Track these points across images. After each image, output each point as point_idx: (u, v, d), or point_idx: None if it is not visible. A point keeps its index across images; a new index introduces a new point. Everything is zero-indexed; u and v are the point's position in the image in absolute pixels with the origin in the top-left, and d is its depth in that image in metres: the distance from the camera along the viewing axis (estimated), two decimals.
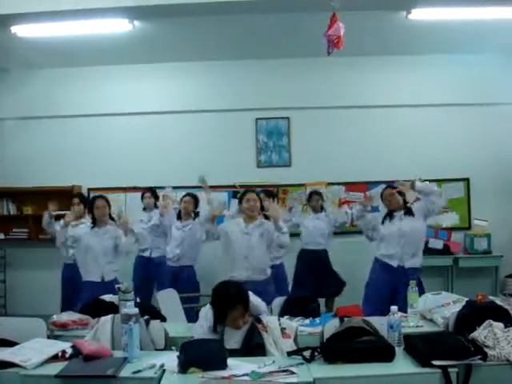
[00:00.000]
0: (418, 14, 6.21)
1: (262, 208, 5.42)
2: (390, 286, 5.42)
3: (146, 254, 7.29)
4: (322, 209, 7.37)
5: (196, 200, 6.76)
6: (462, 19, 6.32)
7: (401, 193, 5.65)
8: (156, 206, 7.31)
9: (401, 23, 6.55)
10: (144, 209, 7.41)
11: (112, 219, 5.86)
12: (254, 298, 3.65)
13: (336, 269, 7.27)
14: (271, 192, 6.99)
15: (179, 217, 6.71)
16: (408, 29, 6.77)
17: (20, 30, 6.16)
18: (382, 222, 5.73)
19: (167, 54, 7.80)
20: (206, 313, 3.58)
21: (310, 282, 6.89)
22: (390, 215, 5.70)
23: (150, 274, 7.16)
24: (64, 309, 5.46)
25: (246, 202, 5.26)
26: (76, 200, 6.60)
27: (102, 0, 5.17)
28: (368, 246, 6.18)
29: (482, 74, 8.00)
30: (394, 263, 5.54)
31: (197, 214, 6.70)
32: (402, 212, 5.65)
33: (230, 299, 3.41)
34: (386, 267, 5.60)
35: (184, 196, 6.80)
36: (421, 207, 5.65)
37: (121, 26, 6.30)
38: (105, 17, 5.75)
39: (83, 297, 5.41)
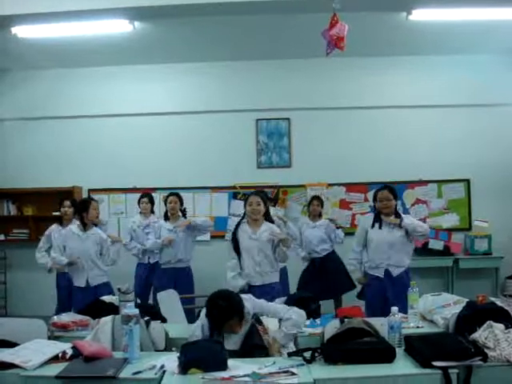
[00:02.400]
0: (419, 15, 6.21)
1: (268, 211, 5.32)
2: (384, 296, 5.05)
3: (145, 260, 7.18)
4: (320, 216, 7.28)
5: (180, 198, 6.70)
6: (462, 20, 6.32)
7: (396, 197, 5.36)
8: (153, 212, 7.31)
9: (401, 24, 6.55)
10: (140, 213, 7.30)
11: (94, 225, 5.89)
12: (255, 303, 3.65)
13: None
14: (269, 196, 6.85)
15: (166, 218, 6.67)
16: (408, 29, 6.77)
17: (20, 31, 6.16)
18: (372, 226, 5.35)
19: (167, 54, 7.81)
20: (203, 320, 3.59)
21: (315, 286, 6.67)
22: (379, 220, 5.33)
23: (149, 279, 7.02)
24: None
25: (248, 205, 5.18)
26: (67, 203, 6.61)
27: (102, 1, 5.17)
28: None
29: (482, 74, 7.99)
30: (381, 273, 5.22)
31: (184, 212, 6.69)
32: (392, 217, 5.30)
33: (222, 313, 3.39)
34: (374, 279, 5.30)
35: (168, 196, 6.71)
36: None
37: (121, 27, 6.31)
38: (105, 18, 5.75)
39: (74, 302, 5.52)
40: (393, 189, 5.42)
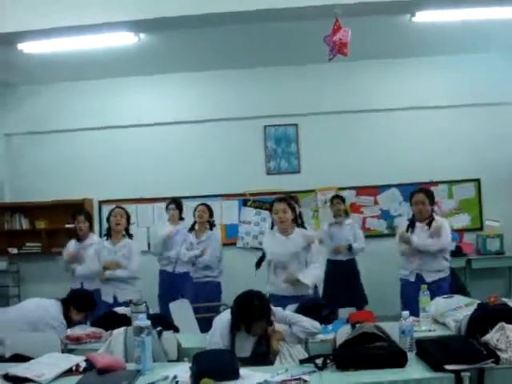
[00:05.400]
0: (422, 17, 6.20)
1: (296, 215, 4.94)
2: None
3: (169, 268, 7.05)
4: (346, 214, 7.16)
5: (210, 209, 6.67)
6: (466, 20, 6.29)
7: (433, 201, 5.21)
8: (181, 218, 7.13)
9: (405, 26, 6.54)
10: (168, 220, 7.16)
11: (129, 235, 5.75)
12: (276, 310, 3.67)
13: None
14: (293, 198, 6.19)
15: (193, 228, 6.63)
16: (413, 31, 6.74)
17: (26, 47, 6.20)
18: (407, 230, 5.18)
19: (174, 64, 7.84)
20: (222, 320, 3.59)
21: (340, 293, 6.60)
22: (413, 225, 5.19)
23: (174, 290, 6.84)
24: None
25: (274, 213, 4.83)
26: (81, 218, 6.50)
27: (106, 15, 5.17)
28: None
29: (490, 73, 7.94)
30: (412, 277, 5.10)
31: (213, 224, 6.65)
32: (426, 222, 5.14)
33: (255, 312, 3.41)
34: (406, 283, 5.15)
35: (196, 206, 6.69)
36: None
37: (126, 39, 6.34)
38: (110, 31, 5.75)
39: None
40: (430, 192, 5.28)
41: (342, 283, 6.85)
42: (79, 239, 6.46)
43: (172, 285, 6.96)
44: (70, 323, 4.40)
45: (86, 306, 4.55)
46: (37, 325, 4.21)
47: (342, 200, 7.22)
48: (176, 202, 7.18)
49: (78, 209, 7.16)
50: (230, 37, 6.71)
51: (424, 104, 8.12)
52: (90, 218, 6.71)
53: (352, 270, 7.03)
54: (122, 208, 5.89)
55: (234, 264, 7.17)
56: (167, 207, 7.20)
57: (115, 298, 5.46)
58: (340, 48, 4.51)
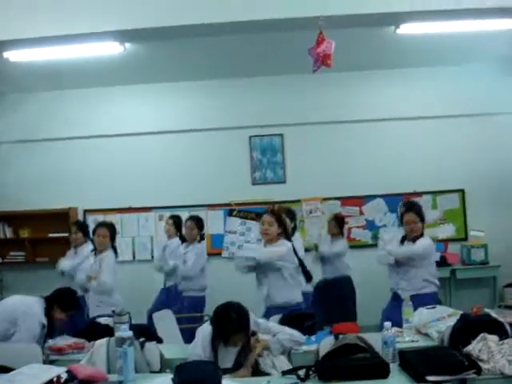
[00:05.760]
0: (407, 29, 6.24)
1: (286, 229, 4.97)
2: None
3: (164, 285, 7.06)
4: (342, 234, 7.25)
5: (199, 223, 6.62)
6: (450, 32, 6.34)
7: (423, 217, 5.19)
8: (178, 233, 7.03)
9: (389, 38, 6.58)
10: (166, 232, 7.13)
11: (114, 251, 5.74)
12: (254, 320, 3.66)
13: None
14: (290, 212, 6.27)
15: (183, 240, 6.65)
16: (397, 43, 6.79)
17: (12, 55, 6.18)
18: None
19: (159, 74, 7.85)
20: (204, 331, 3.59)
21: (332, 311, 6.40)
22: (402, 241, 5.23)
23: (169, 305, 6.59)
24: None
25: (261, 224, 4.90)
26: (74, 229, 6.58)
27: (92, 25, 5.18)
28: None
29: (474, 84, 8.01)
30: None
31: (202, 237, 6.61)
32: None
33: (232, 325, 3.40)
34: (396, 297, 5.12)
35: (186, 220, 6.68)
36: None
37: (112, 49, 6.33)
38: (96, 40, 5.74)
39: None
40: (419, 209, 5.24)
41: (336, 302, 6.77)
42: (75, 247, 6.56)
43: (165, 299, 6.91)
44: (53, 322, 4.36)
45: (69, 305, 4.49)
46: (17, 321, 4.18)
47: (339, 223, 7.26)
48: (175, 219, 7.13)
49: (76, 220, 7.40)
50: (216, 47, 6.72)
51: (409, 115, 8.18)
52: (83, 228, 6.72)
53: (349, 289, 7.04)
54: (105, 225, 5.84)
55: (219, 274, 7.15)
56: (167, 220, 7.21)
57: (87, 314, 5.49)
58: (324, 59, 4.53)
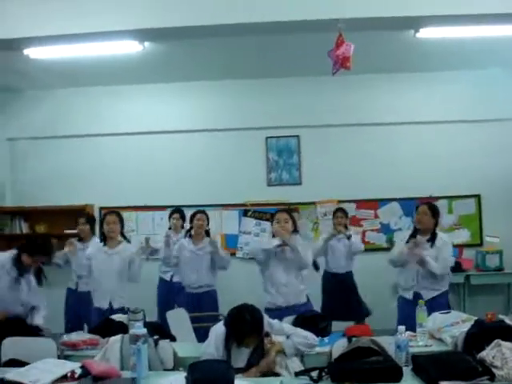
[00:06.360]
0: (426, 33, 6.22)
1: (296, 227, 5.10)
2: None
3: (167, 276, 7.13)
4: (346, 228, 7.09)
5: (208, 217, 6.50)
6: (469, 36, 6.33)
7: (435, 214, 5.16)
8: (183, 227, 7.05)
9: (409, 41, 6.56)
10: (169, 228, 7.08)
11: (124, 238, 5.65)
12: (268, 321, 3.67)
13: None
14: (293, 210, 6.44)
15: (189, 236, 6.45)
16: (417, 46, 6.77)
17: (32, 52, 6.24)
18: (407, 242, 5.10)
19: (177, 73, 7.86)
20: (217, 331, 3.60)
21: (338, 306, 6.61)
22: (414, 236, 5.10)
23: (171, 299, 6.77)
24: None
25: (276, 222, 4.97)
26: (82, 220, 6.68)
27: (112, 23, 5.21)
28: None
29: (492, 89, 7.96)
30: (410, 295, 5.02)
31: (208, 233, 6.50)
32: (427, 237, 5.09)
33: (246, 327, 3.42)
34: (404, 301, 5.09)
35: (195, 213, 6.44)
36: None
37: (131, 48, 6.37)
38: (115, 39, 5.79)
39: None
40: (434, 206, 5.26)
41: (340, 296, 6.84)
42: (81, 240, 6.66)
43: (169, 294, 6.94)
44: (23, 267, 4.67)
45: (35, 250, 4.68)
46: None
47: (345, 214, 7.18)
48: (180, 212, 7.17)
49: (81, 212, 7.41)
50: (234, 48, 6.74)
51: (426, 119, 8.14)
52: (91, 221, 6.83)
53: (349, 282, 7.03)
54: (114, 213, 5.71)
55: (234, 274, 7.14)
56: (170, 216, 7.20)
57: (111, 304, 5.33)
58: (343, 62, 4.53)
